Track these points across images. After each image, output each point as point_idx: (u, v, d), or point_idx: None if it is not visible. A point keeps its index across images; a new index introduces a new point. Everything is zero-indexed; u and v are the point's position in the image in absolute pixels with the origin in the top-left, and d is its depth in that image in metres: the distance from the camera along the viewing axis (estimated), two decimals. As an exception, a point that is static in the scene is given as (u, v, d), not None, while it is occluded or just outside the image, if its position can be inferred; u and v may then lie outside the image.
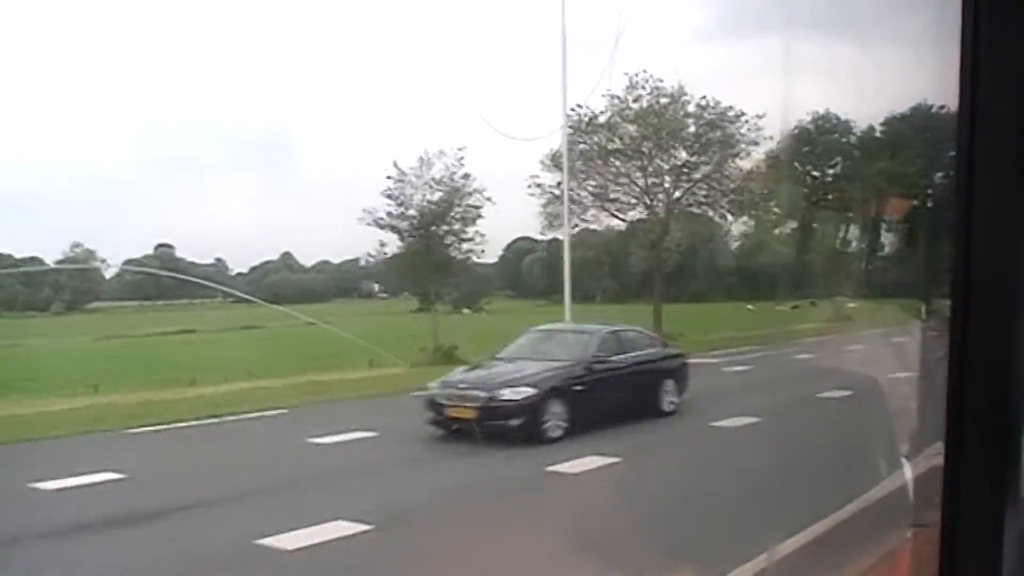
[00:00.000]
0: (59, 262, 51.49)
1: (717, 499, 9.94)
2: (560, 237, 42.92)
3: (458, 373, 15.53)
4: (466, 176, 25.27)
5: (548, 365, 14.59)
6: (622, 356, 15.50)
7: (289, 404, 18.36)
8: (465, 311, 52.69)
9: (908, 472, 7.47)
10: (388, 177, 24.69)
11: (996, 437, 1.54)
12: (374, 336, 29.10)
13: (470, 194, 25.50)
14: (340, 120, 60.01)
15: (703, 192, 31.81)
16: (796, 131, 34.94)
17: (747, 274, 45.49)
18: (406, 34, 58.85)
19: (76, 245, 50.99)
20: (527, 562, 8.11)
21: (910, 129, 35.64)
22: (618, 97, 30.25)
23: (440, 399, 14.10)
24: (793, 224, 35.87)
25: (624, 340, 16.20)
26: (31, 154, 48.80)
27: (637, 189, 31.22)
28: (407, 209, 24.77)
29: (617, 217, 32.47)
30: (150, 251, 53.81)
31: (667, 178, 31.19)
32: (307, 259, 58.79)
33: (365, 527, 9.15)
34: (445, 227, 25.50)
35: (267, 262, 59.41)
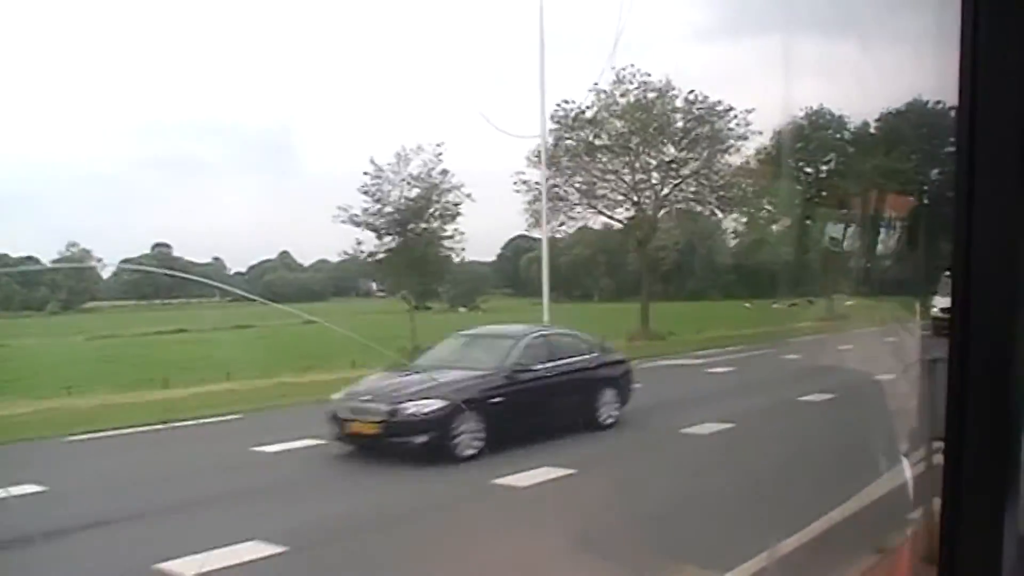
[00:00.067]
0: (55, 262, 50.86)
1: (656, 522, 8.96)
2: (557, 235, 42.28)
3: (365, 383, 13.86)
4: (444, 172, 24.33)
5: (464, 374, 13.08)
6: (551, 363, 13.88)
7: (251, 407, 17.54)
8: (461, 309, 51.98)
9: (879, 488, 6.96)
10: (365, 173, 23.80)
11: (996, 436, 1.52)
12: (365, 335, 28.40)
13: (449, 191, 24.54)
14: (339, 119, 59.15)
15: (692, 188, 30.78)
16: (789, 126, 33.99)
17: (745, 272, 44.78)
18: (403, 33, 57.90)
19: (72, 244, 50.28)
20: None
21: (906, 125, 34.78)
22: (605, 91, 29.31)
23: (342, 413, 12.57)
24: (787, 221, 34.81)
25: (555, 346, 14.54)
26: (28, 153, 48.06)
27: (624, 185, 30.22)
28: (384, 206, 23.81)
29: (604, 214, 31.55)
30: (147, 250, 52.89)
31: (654, 174, 30.18)
32: (305, 258, 57.94)
33: (280, 548, 8.26)
34: (424, 225, 24.50)
35: (265, 261, 58.65)
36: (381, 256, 25.05)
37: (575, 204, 30.88)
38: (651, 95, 29.22)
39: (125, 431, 15.23)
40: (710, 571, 7.38)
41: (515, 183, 30.16)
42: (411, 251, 24.40)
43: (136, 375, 24.27)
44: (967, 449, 1.56)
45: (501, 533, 9.06)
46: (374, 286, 61.08)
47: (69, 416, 17.09)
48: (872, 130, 35.76)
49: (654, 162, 30.30)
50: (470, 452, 12.10)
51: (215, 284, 50.27)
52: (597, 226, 36.06)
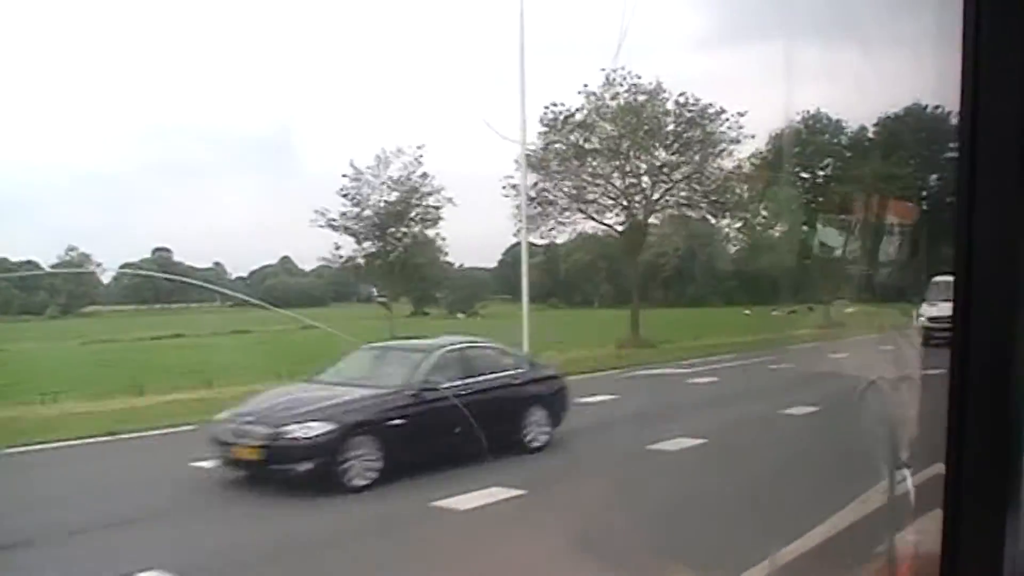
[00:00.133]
0: (54, 266, 50.46)
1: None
2: (557, 241, 41.46)
3: (253, 401, 12.46)
4: (424, 175, 23.48)
5: (361, 393, 11.62)
6: (467, 380, 12.35)
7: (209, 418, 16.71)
8: (459, 315, 51.33)
9: (844, 518, 6.74)
10: (343, 175, 22.99)
11: (997, 439, 1.51)
12: (362, 341, 27.72)
13: (429, 194, 23.69)
14: (339, 122, 58.43)
15: (683, 193, 29.86)
16: (786, 131, 33.16)
17: (746, 278, 44.00)
18: (400, 35, 57.19)
19: (71, 249, 49.83)
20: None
21: (904, 129, 33.94)
22: (594, 94, 28.43)
23: (223, 435, 11.09)
24: (783, 227, 33.95)
25: (473, 360, 12.97)
26: (28, 156, 47.56)
27: (614, 190, 29.33)
28: (363, 210, 22.98)
29: (594, 219, 30.59)
30: (147, 255, 52.36)
31: (645, 178, 29.30)
32: (306, 263, 57.14)
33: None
34: (404, 229, 23.67)
35: (266, 266, 58.05)
36: (360, 261, 24.19)
37: (564, 209, 29.92)
38: (641, 98, 28.30)
39: (72, 442, 14.49)
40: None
41: (504, 187, 29.29)
42: (390, 256, 23.54)
43: (121, 381, 23.58)
44: (968, 451, 1.53)
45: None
46: (375, 291, 60.59)
47: (29, 425, 16.38)
48: (870, 135, 34.86)
49: (644, 166, 29.39)
50: (362, 482, 10.72)
51: (215, 286, 49.65)
52: (592, 231, 34.88)
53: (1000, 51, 1.44)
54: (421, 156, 23.34)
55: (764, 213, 34.26)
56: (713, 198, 30.19)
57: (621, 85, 28.22)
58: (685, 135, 29.03)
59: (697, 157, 29.30)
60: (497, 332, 35.33)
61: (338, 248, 23.92)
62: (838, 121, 34.14)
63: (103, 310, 53.37)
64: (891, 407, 5.28)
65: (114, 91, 52.72)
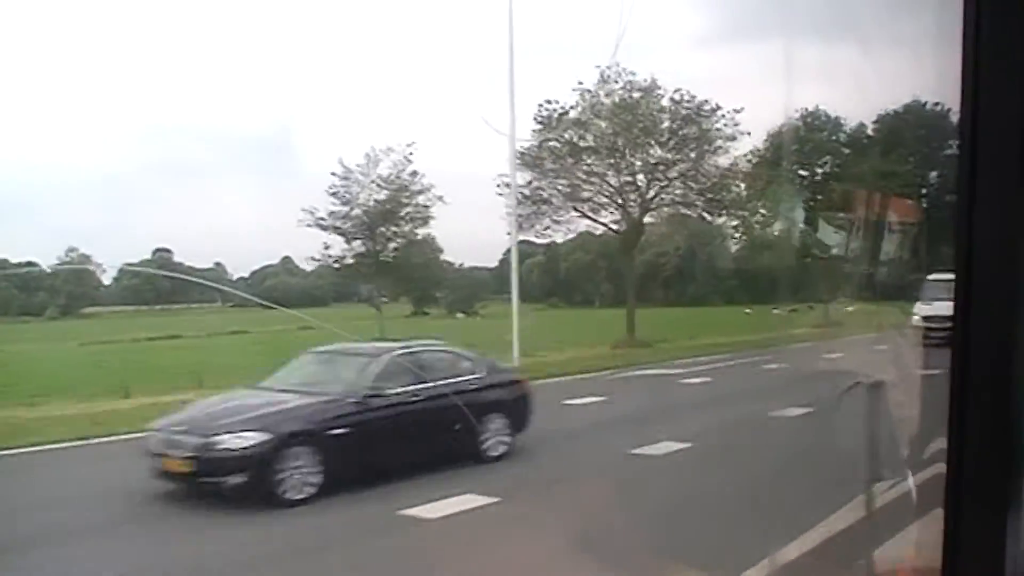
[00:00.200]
0: (54, 267, 50.18)
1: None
2: (558, 240, 40.89)
3: (189, 409, 11.68)
4: (414, 174, 22.88)
5: (301, 401, 10.77)
6: (418, 386, 11.43)
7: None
8: (459, 315, 50.86)
9: (842, 520, 6.19)
10: (332, 174, 22.40)
11: (998, 438, 1.49)
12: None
13: (419, 192, 23.08)
14: (341, 122, 57.98)
15: (679, 191, 29.23)
16: (784, 128, 32.59)
17: (747, 277, 43.49)
18: (398, 35, 56.65)
19: (71, 250, 49.55)
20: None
21: (904, 126, 33.38)
22: (589, 91, 27.82)
23: (155, 446, 10.33)
24: (781, 225, 33.33)
25: (425, 365, 12.01)
26: (29, 157, 47.17)
27: (609, 188, 28.71)
28: (352, 209, 22.39)
29: (589, 218, 29.93)
30: (148, 255, 52.02)
31: (640, 176, 28.65)
32: (308, 263, 56.66)
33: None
34: (394, 228, 23.07)
35: (267, 266, 57.66)
36: (349, 261, 23.61)
37: (559, 207, 29.28)
38: (636, 95, 27.67)
39: (39, 448, 13.92)
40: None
41: (498, 185, 28.65)
42: (379, 256, 22.95)
43: (112, 383, 23.06)
44: (969, 450, 1.50)
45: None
46: (375, 291, 60.24)
47: (5, 428, 15.81)
48: (869, 132, 34.28)
49: (640, 164, 28.75)
50: (299, 495, 9.90)
51: (215, 285, 49.30)
52: (591, 230, 34.22)
53: (1000, 50, 1.43)
54: (411, 154, 22.75)
55: (763, 211, 33.64)
56: (709, 196, 29.55)
57: (616, 82, 27.65)
58: (681, 132, 28.39)
59: (693, 154, 28.66)
60: (494, 332, 34.87)
61: (327, 248, 23.32)
62: (836, 118, 33.56)
63: (103, 311, 53.02)
64: (873, 413, 4.77)
65: (115, 91, 52.43)
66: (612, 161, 28.46)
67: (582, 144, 28.35)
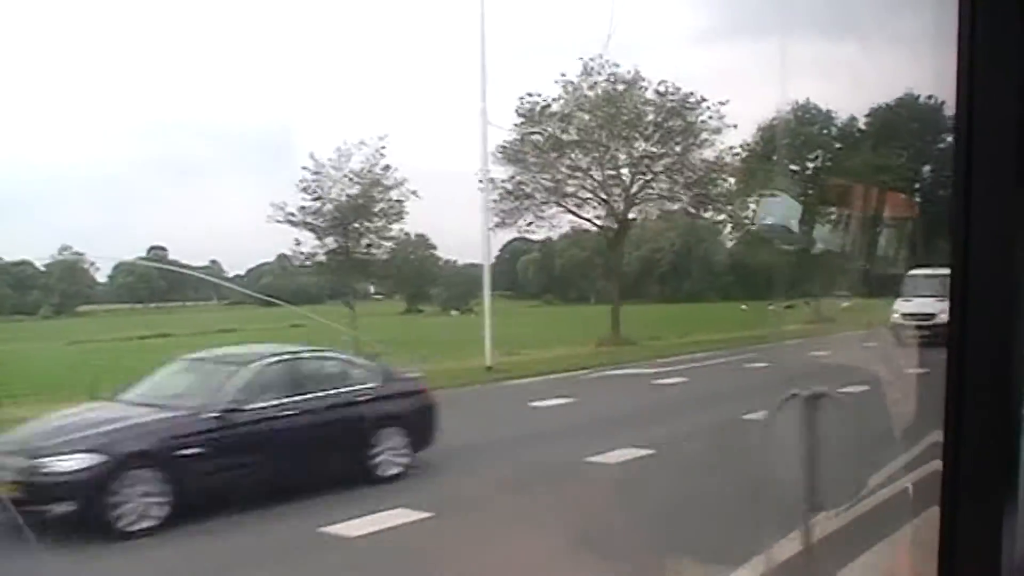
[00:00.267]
0: (47, 265, 49.47)
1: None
2: (543, 236, 39.96)
3: (32, 424, 10.26)
4: (386, 168, 21.98)
5: (149, 417, 9.34)
6: (293, 398, 10.08)
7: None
8: (453, 312, 50.08)
9: (798, 542, 5.22)
10: (303, 168, 21.54)
11: (995, 437, 1.49)
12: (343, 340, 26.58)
13: (391, 187, 22.18)
14: (340, 120, 57.13)
15: (664, 185, 28.24)
16: (774, 122, 31.65)
17: (743, 273, 42.66)
18: (395, 34, 55.65)
19: (65, 248, 48.81)
20: None
21: (897, 120, 32.45)
22: (572, 83, 26.85)
23: None
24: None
25: (303, 374, 10.69)
26: (23, 154, 46.28)
27: (593, 183, 27.75)
28: (323, 204, 21.51)
29: (572, 213, 28.95)
30: (142, 253, 51.22)
31: (624, 171, 27.70)
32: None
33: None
34: (367, 223, 22.17)
35: (263, 264, 56.84)
36: (322, 258, 22.74)
37: (543, 202, 28.31)
38: (620, 87, 26.70)
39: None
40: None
41: (480, 180, 27.72)
42: (351, 252, 22.07)
43: (87, 383, 22.30)
44: (966, 449, 1.49)
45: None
46: (371, 289, 59.44)
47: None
48: (861, 125, 33.31)
49: (624, 157, 27.79)
50: (140, 527, 8.58)
51: (211, 278, 48.56)
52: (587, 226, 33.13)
53: (996, 49, 1.42)
54: (383, 148, 21.85)
55: (752, 206, 32.68)
56: (696, 190, 28.55)
57: (599, 74, 26.68)
58: (666, 125, 27.41)
59: (679, 148, 27.68)
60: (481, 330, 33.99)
61: (299, 244, 22.43)
62: (828, 112, 32.58)
63: (98, 309, 52.23)
64: (811, 431, 4.33)
65: (114, 87, 51.46)
66: (596, 155, 27.51)
67: (565, 138, 27.38)
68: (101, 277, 54.18)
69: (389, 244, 22.91)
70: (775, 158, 32.00)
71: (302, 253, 22.83)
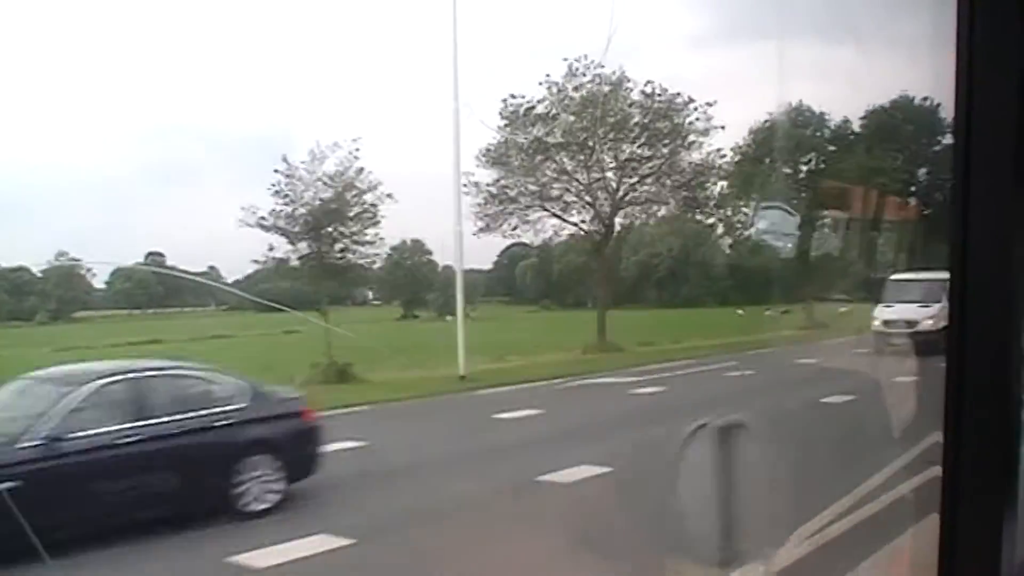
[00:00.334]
0: (44, 271, 48.89)
1: None
2: (552, 242, 39.05)
3: None
4: (360, 171, 21.05)
5: None
6: (138, 423, 8.61)
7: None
8: (448, 318, 49.03)
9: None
10: (276, 171, 20.62)
11: (994, 439, 1.47)
12: (340, 344, 25.77)
13: (366, 191, 21.24)
14: (338, 126, 56.40)
15: (651, 188, 27.24)
16: (766, 123, 30.72)
17: (741, 277, 41.77)
18: (395, 36, 54.83)
19: (61, 254, 48.22)
20: None
21: (892, 122, 31.47)
22: (556, 84, 25.88)
23: None
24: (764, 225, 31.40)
25: (152, 394, 9.07)
26: (27, 157, 45.63)
27: (579, 186, 26.77)
28: (296, 208, 20.60)
29: (558, 217, 27.97)
30: (140, 259, 50.51)
31: (609, 174, 26.71)
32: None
33: None
34: (341, 228, 21.24)
35: (260, 270, 56.06)
36: (294, 263, 21.80)
37: (528, 206, 27.34)
38: (606, 89, 25.71)
39: None
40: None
41: (464, 184, 26.75)
42: (323, 257, 21.13)
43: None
44: (965, 452, 1.46)
45: None
46: (370, 295, 58.71)
47: None
48: (856, 128, 32.33)
49: (610, 160, 26.80)
50: None
51: (209, 282, 47.86)
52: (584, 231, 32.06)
53: (994, 50, 1.41)
54: (357, 150, 20.91)
55: (745, 210, 31.73)
56: (684, 193, 27.54)
57: (584, 75, 25.70)
58: (653, 126, 26.40)
59: (666, 150, 26.66)
60: (476, 335, 33.05)
61: (271, 249, 21.49)
62: (822, 114, 31.58)
63: (95, 315, 51.56)
64: (724, 469, 3.54)
65: (114, 91, 50.85)
66: (582, 158, 26.54)
67: (550, 140, 26.41)
68: (98, 283, 53.63)
69: (363, 248, 21.87)
70: (768, 161, 31.08)
71: (275, 258, 21.84)
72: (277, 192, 20.71)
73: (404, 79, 54.04)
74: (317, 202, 20.91)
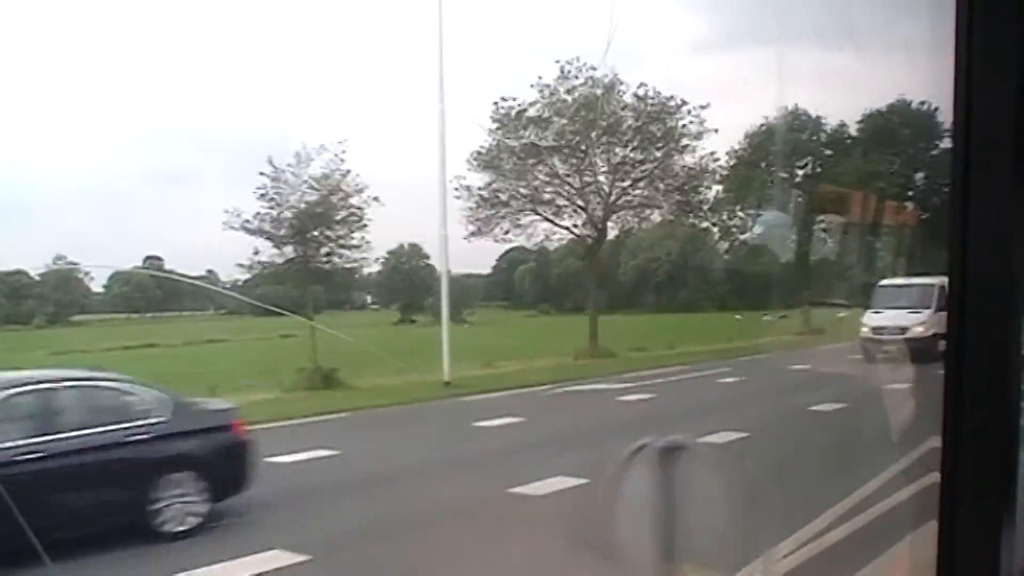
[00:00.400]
0: (42, 275, 48.52)
1: None
2: (549, 246, 38.47)
3: None
4: (346, 173, 20.48)
5: None
6: (46, 437, 7.85)
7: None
8: (446, 323, 48.42)
9: None
10: (261, 173, 20.06)
11: (993, 444, 1.46)
12: (330, 349, 25.26)
13: (351, 195, 20.67)
14: (336, 128, 55.96)
15: (645, 192, 26.65)
16: (763, 127, 30.19)
17: (739, 282, 41.28)
18: (395, 37, 54.43)
19: (59, 258, 47.84)
20: None
21: (888, 125, 30.95)
22: (548, 87, 25.32)
23: None
24: (759, 229, 30.90)
25: (64, 407, 8.36)
26: (22, 162, 45.30)
27: (571, 190, 26.19)
28: (281, 211, 20.04)
29: (550, 221, 27.37)
30: (139, 263, 50.08)
31: (602, 178, 26.12)
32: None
33: None
34: (329, 232, 20.67)
35: (259, 274, 55.57)
36: (280, 267, 21.20)
37: (520, 210, 26.73)
38: (598, 91, 25.14)
39: None
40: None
41: (456, 188, 26.21)
42: (308, 261, 20.55)
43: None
44: (964, 455, 1.45)
45: None
46: (368, 299, 58.29)
47: None
48: (853, 132, 31.80)
49: (602, 163, 26.22)
50: None
51: (207, 285, 47.47)
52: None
53: (993, 52, 1.41)
54: (344, 152, 20.35)
55: (740, 214, 31.18)
56: (678, 197, 26.94)
57: (577, 77, 25.14)
58: (647, 129, 25.81)
59: (659, 153, 26.07)
60: (471, 339, 32.55)
61: (256, 253, 20.92)
62: (818, 118, 31.02)
63: (93, 319, 51.17)
64: (666, 495, 3.14)
65: (115, 95, 50.53)
66: (574, 161, 25.96)
67: (542, 144, 25.83)
68: (96, 286, 53.29)
69: (349, 252, 21.28)
70: (763, 165, 30.54)
71: (259, 263, 21.27)
72: (263, 195, 20.16)
73: (402, 82, 53.70)
74: (302, 205, 20.34)
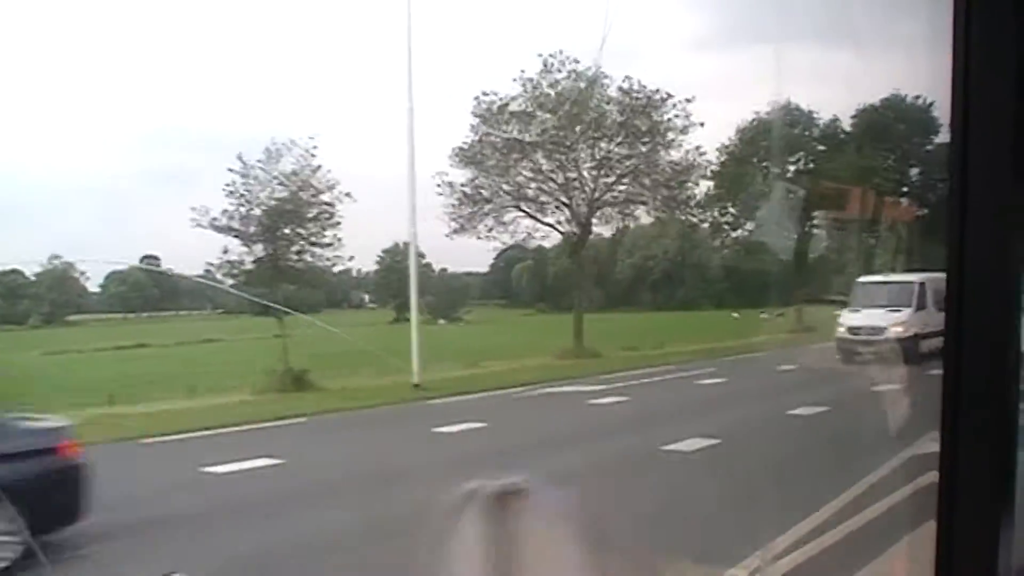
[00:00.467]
0: (37, 275, 47.97)
1: None
2: (546, 244, 37.61)
3: None
4: (316, 169, 19.62)
5: None
6: None
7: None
8: (441, 322, 47.94)
9: None
10: (230, 170, 19.23)
11: (991, 443, 1.44)
12: (322, 349, 24.51)
13: (323, 191, 19.80)
14: (335, 129, 55.25)
15: (630, 187, 25.71)
16: (754, 123, 29.27)
17: (736, 280, 40.48)
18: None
19: (55, 257, 47.30)
20: None
21: (882, 120, 30.02)
22: (531, 80, 24.39)
23: None
24: (752, 227, 29.99)
25: None
26: (19, 161, 44.77)
27: (554, 186, 25.28)
28: (250, 209, 19.21)
29: (533, 218, 26.44)
30: (135, 263, 49.48)
31: (586, 173, 25.19)
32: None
33: None
34: (299, 229, 19.83)
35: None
36: (249, 267, 20.33)
37: (503, 207, 25.82)
38: (582, 85, 24.21)
39: None
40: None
41: (438, 184, 25.36)
42: (278, 260, 19.71)
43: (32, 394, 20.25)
44: (962, 454, 1.42)
45: None
46: (366, 298, 57.57)
47: None
48: (847, 127, 30.85)
49: (587, 159, 25.29)
50: None
51: (205, 281, 46.69)
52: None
53: (991, 47, 1.39)
54: (315, 147, 19.50)
55: (732, 211, 30.25)
56: (664, 192, 25.97)
57: (560, 71, 24.21)
58: (631, 123, 24.86)
59: (645, 148, 25.12)
60: (463, 339, 31.73)
61: (226, 252, 20.08)
62: (810, 113, 30.05)
63: (89, 319, 50.53)
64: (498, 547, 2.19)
65: (110, 95, 49.88)
66: (558, 156, 25.04)
67: (527, 139, 24.91)
68: (93, 286, 52.65)
69: (321, 250, 20.45)
70: (755, 160, 29.63)
71: (228, 261, 20.42)
72: (232, 192, 19.32)
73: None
74: (272, 202, 19.48)
